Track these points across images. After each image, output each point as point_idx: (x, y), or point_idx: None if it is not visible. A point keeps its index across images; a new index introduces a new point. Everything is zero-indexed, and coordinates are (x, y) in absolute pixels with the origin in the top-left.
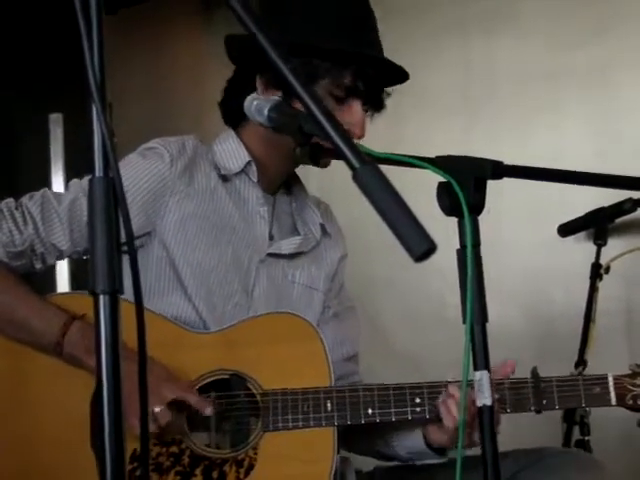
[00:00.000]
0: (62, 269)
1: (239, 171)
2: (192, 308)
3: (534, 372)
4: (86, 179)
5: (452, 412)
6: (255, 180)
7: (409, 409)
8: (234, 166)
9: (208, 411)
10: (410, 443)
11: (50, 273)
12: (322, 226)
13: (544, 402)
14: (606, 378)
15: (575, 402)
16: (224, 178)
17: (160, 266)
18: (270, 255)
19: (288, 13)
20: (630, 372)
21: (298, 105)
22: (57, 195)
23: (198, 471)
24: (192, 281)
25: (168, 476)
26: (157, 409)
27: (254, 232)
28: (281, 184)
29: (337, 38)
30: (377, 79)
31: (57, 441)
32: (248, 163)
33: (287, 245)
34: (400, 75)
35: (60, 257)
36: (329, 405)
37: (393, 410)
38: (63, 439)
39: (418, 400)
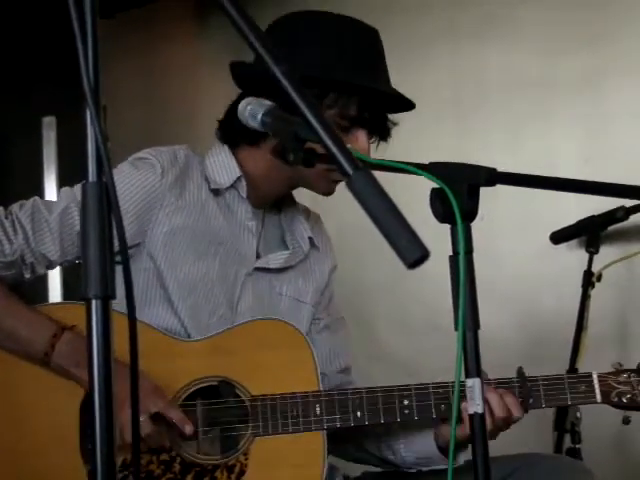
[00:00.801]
0: (54, 277)
1: (229, 186)
2: (177, 320)
3: (520, 372)
4: (77, 187)
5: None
6: (244, 196)
7: (397, 411)
8: (224, 181)
9: (187, 430)
10: (419, 447)
11: (42, 281)
12: (310, 240)
13: (531, 401)
14: (591, 376)
15: (561, 400)
16: (215, 192)
17: (147, 278)
18: (257, 269)
19: (295, 45)
20: (614, 370)
21: None
22: (48, 204)
23: (189, 478)
24: (178, 294)
25: None
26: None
27: (242, 246)
28: (269, 203)
29: (344, 70)
30: (383, 109)
31: (44, 450)
32: (238, 179)
33: (274, 260)
34: (406, 103)
35: (50, 267)
36: (318, 409)
37: (382, 413)
38: (51, 448)
39: (406, 402)
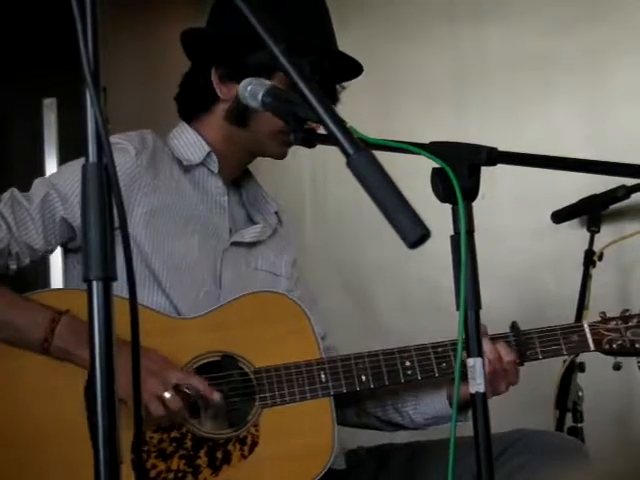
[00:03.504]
0: (56, 262)
1: (199, 162)
2: (166, 298)
3: (514, 326)
4: (49, 176)
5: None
6: (215, 171)
7: (401, 372)
8: (194, 157)
9: (215, 396)
10: (430, 408)
11: (44, 266)
12: (277, 214)
13: (528, 353)
14: (582, 326)
15: (557, 351)
16: (185, 169)
17: (132, 260)
18: (233, 244)
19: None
20: (600, 319)
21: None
22: (26, 195)
23: (202, 453)
24: (164, 272)
25: (172, 461)
26: (167, 395)
27: (217, 222)
28: (236, 176)
29: (294, 30)
30: (333, 72)
31: (51, 436)
32: (208, 154)
33: (249, 234)
34: (355, 69)
35: (34, 256)
36: (323, 376)
37: (386, 375)
38: (57, 433)
39: (408, 363)
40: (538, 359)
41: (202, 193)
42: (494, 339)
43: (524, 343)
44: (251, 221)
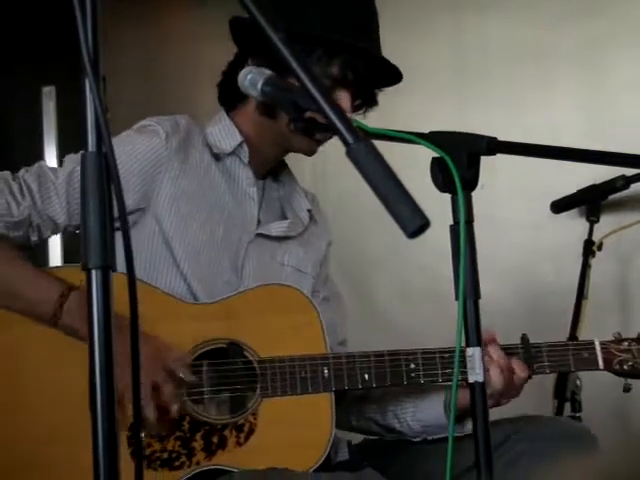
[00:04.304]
0: (55, 244)
1: (231, 151)
2: (184, 283)
3: (524, 338)
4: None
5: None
6: (246, 161)
7: (404, 375)
8: (226, 146)
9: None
10: (427, 415)
11: (42, 248)
12: (310, 212)
13: (535, 367)
14: (593, 343)
15: (565, 367)
16: (216, 157)
17: (153, 241)
18: (259, 236)
19: (281, 3)
20: (613, 339)
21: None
22: (53, 169)
23: (198, 436)
24: (184, 257)
25: (168, 442)
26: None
27: (244, 212)
28: (270, 170)
29: (330, 28)
30: (368, 73)
31: (53, 409)
32: (240, 144)
33: (276, 227)
34: (393, 76)
35: (56, 230)
36: (326, 371)
37: (389, 376)
38: (60, 406)
39: (413, 366)
40: (545, 373)
41: (231, 182)
42: (509, 354)
43: (533, 356)
44: (283, 216)
